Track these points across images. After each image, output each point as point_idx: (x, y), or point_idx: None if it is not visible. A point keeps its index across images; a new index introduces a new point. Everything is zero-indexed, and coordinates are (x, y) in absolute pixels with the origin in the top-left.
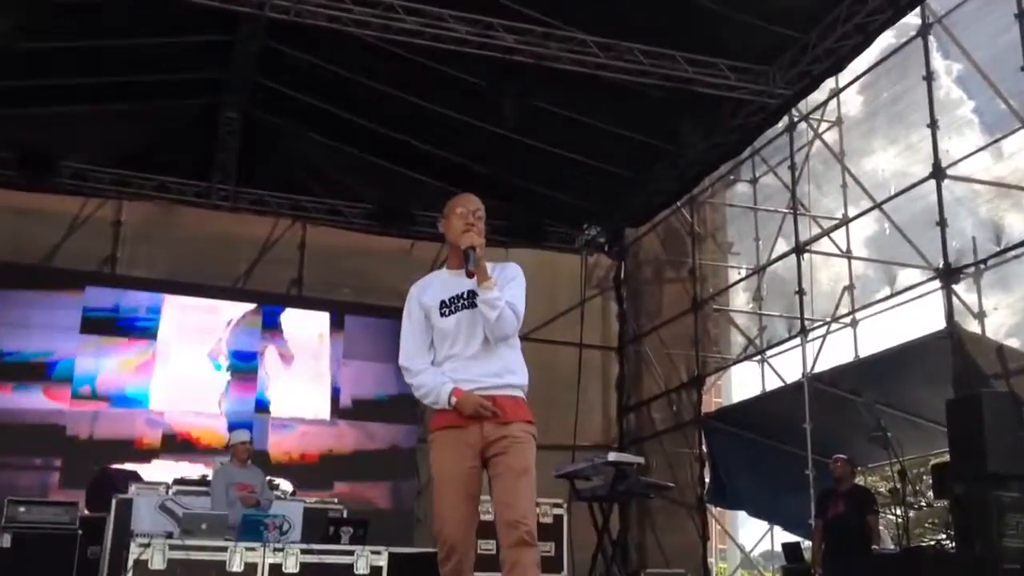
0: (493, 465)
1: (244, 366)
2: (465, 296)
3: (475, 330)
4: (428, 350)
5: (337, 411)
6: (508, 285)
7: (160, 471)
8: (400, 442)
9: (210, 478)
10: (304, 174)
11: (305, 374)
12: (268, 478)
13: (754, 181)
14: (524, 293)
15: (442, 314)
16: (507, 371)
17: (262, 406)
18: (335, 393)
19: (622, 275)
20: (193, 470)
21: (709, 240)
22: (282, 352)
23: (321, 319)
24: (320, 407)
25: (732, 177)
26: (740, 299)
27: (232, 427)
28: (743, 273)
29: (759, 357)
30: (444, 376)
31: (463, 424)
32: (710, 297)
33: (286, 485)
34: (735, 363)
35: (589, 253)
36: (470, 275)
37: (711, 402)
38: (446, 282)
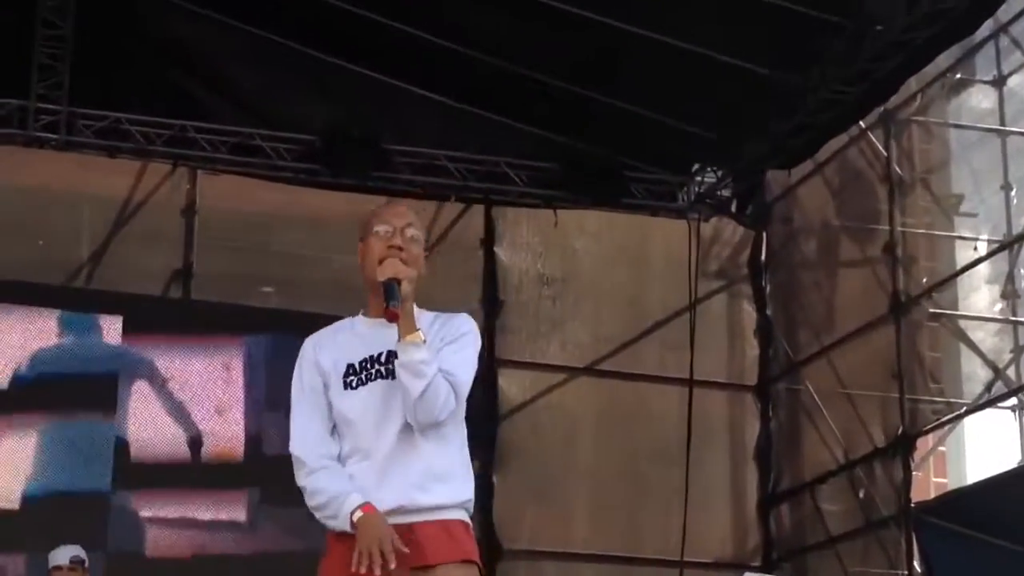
0: None
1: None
2: (385, 359)
3: (393, 411)
4: (332, 436)
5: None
6: (448, 346)
7: None
8: None
9: None
10: (190, 81)
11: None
12: None
13: (999, 82)
14: (474, 357)
15: (347, 385)
16: (433, 479)
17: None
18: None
19: (763, 256)
20: None
21: (919, 189)
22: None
23: (225, 341)
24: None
25: (959, 76)
26: (980, 297)
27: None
28: (982, 249)
29: (1014, 401)
30: (348, 482)
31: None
32: (924, 293)
33: None
34: (971, 411)
35: (704, 218)
36: (391, 318)
37: (928, 484)
38: (360, 336)
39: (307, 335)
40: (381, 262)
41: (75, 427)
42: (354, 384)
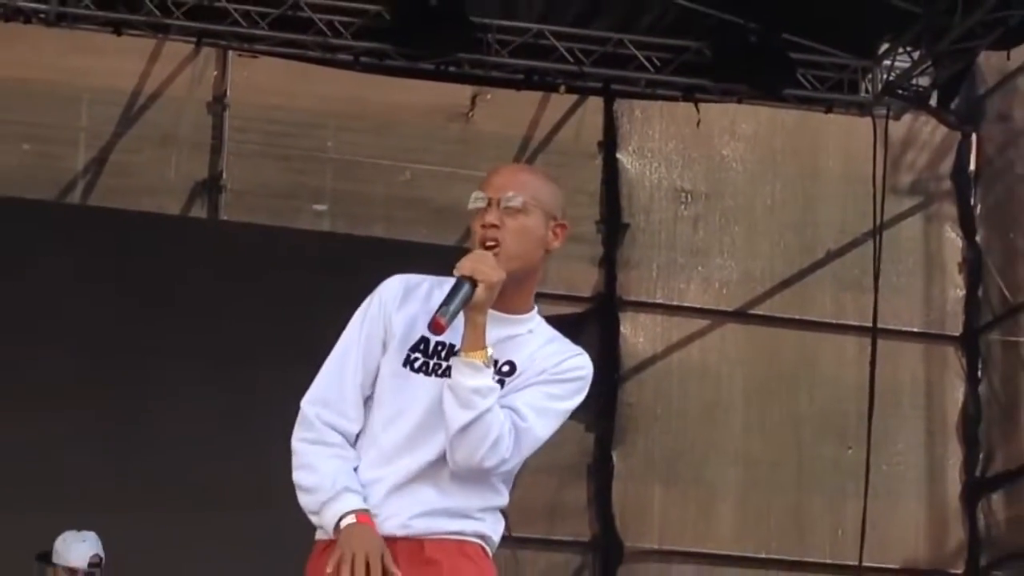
0: None
1: None
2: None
3: (440, 428)
4: (361, 406)
5: None
6: (544, 386)
7: None
8: None
9: None
10: None
11: None
12: None
13: None
14: (566, 414)
15: (409, 362)
16: (453, 516)
17: None
18: None
19: (972, 166)
20: None
21: None
22: None
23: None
24: None
25: None
26: None
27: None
28: None
29: None
30: (353, 473)
31: None
32: None
33: None
34: None
35: (894, 115)
36: (435, 329)
37: None
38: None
39: (371, 266)
40: (474, 248)
41: None
42: (416, 365)
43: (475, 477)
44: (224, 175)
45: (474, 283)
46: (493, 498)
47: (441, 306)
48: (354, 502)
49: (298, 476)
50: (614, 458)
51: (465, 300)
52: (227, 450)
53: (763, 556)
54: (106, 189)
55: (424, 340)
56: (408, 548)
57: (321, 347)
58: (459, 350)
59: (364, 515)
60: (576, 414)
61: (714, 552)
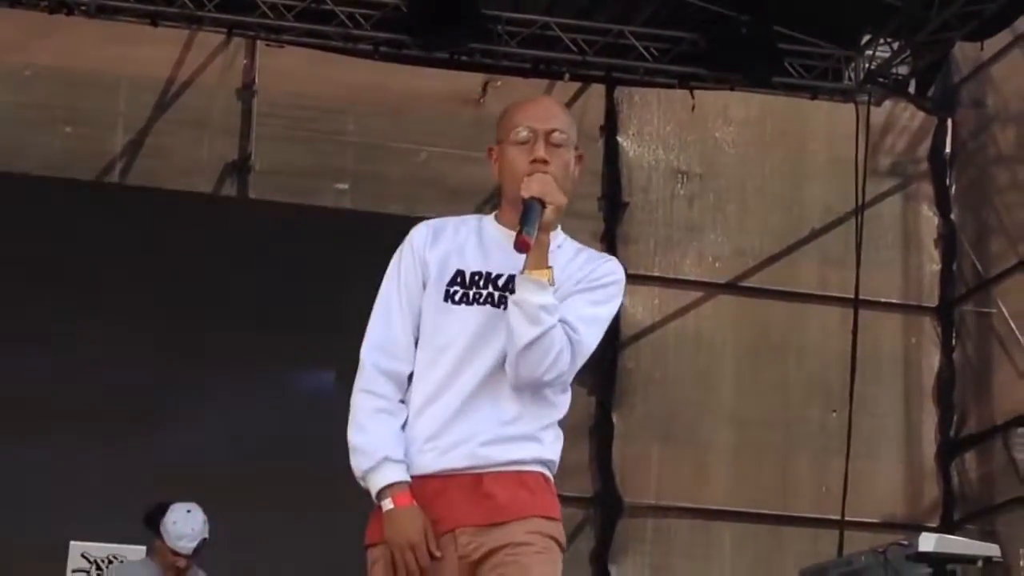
0: None
1: None
2: (504, 283)
3: (488, 348)
4: (412, 347)
5: None
6: (583, 294)
7: None
8: None
9: None
10: None
11: None
12: None
13: None
14: (609, 317)
15: (448, 295)
16: (512, 439)
17: None
18: None
19: (947, 149)
20: None
21: None
22: None
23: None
24: None
25: None
26: None
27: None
28: None
29: None
30: (397, 435)
31: None
32: None
33: None
34: None
35: (875, 101)
36: (521, 247)
37: None
38: (485, 243)
39: (389, 242)
40: (526, 176)
41: None
42: (456, 297)
43: (532, 391)
44: (252, 156)
45: (543, 204)
46: (550, 413)
47: (522, 227)
48: (392, 474)
49: (350, 432)
50: (614, 420)
51: (538, 220)
52: (259, 416)
53: (753, 511)
54: (142, 169)
55: (460, 273)
56: (467, 482)
57: (342, 317)
58: (525, 268)
59: (401, 494)
60: (579, 378)
61: (708, 507)
